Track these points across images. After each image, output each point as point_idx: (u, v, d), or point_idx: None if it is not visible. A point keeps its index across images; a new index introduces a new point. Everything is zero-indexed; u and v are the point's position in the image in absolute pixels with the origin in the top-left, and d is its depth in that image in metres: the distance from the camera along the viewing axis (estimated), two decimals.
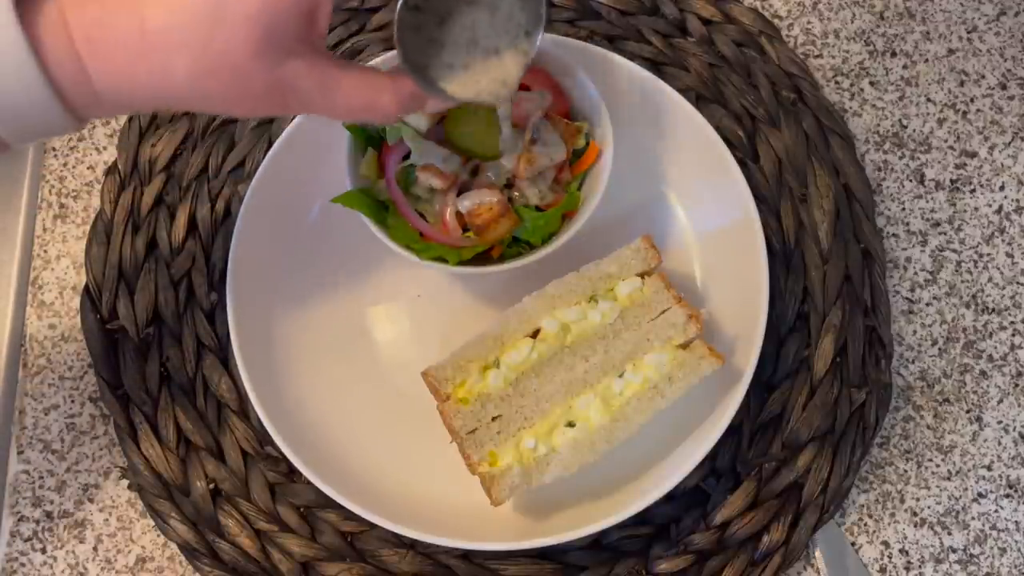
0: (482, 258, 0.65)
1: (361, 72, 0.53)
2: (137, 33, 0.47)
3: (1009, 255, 0.75)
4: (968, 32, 0.81)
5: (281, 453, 0.65)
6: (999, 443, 0.71)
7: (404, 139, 0.65)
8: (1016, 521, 0.69)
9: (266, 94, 0.50)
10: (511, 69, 0.57)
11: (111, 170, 0.76)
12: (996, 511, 0.69)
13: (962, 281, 0.74)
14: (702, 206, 0.71)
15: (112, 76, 0.48)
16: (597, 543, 0.67)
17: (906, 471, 0.70)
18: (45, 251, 0.75)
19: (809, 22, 0.81)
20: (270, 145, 0.72)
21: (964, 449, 0.70)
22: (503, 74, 0.57)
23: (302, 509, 0.68)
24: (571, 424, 0.61)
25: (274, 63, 0.49)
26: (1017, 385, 0.72)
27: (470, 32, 0.56)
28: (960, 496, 0.69)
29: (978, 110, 0.79)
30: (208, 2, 0.46)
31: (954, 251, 0.75)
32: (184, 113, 0.77)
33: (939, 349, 0.73)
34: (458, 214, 0.64)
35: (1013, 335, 0.73)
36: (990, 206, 0.76)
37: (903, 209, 0.76)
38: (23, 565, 0.68)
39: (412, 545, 0.67)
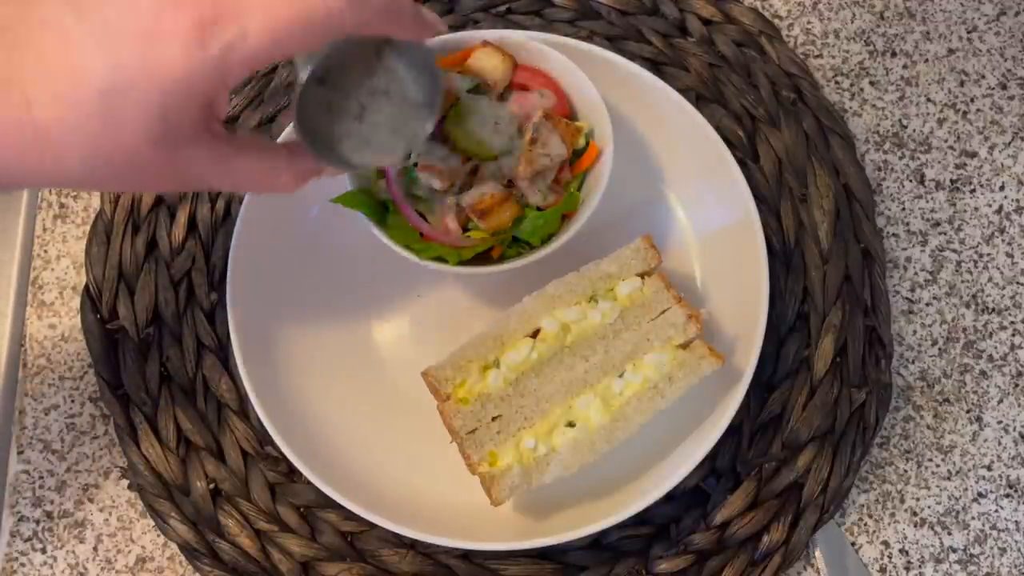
0: (482, 258, 0.65)
1: (259, 151, 0.53)
2: (28, 130, 0.45)
3: (1009, 255, 0.75)
4: (968, 32, 0.81)
5: (281, 453, 0.65)
6: (999, 443, 0.71)
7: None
8: (1016, 521, 0.69)
9: (163, 178, 0.49)
10: (412, 135, 0.58)
11: None
12: (996, 511, 0.69)
13: (962, 281, 0.74)
14: (702, 206, 0.71)
15: (3, 166, 0.46)
16: (597, 543, 0.67)
17: (906, 471, 0.70)
18: (45, 251, 0.75)
19: (809, 22, 0.81)
20: None
21: (964, 449, 0.70)
22: (404, 139, 0.57)
23: (302, 509, 0.68)
24: (571, 424, 0.61)
25: (171, 152, 0.48)
26: (1017, 385, 0.72)
27: (368, 100, 0.56)
28: (960, 496, 0.69)
29: (978, 110, 0.79)
30: (99, 98, 0.45)
31: (954, 251, 0.75)
32: None
33: (939, 349, 0.73)
34: (459, 212, 0.64)
35: (1013, 335, 0.73)
36: (990, 206, 0.76)
37: (903, 209, 0.76)
38: (23, 565, 0.68)
39: (412, 545, 0.67)
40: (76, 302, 0.73)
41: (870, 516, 0.69)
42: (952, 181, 0.77)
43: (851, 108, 0.79)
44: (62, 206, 0.76)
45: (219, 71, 0.45)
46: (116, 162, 0.47)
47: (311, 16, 0.45)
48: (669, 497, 0.65)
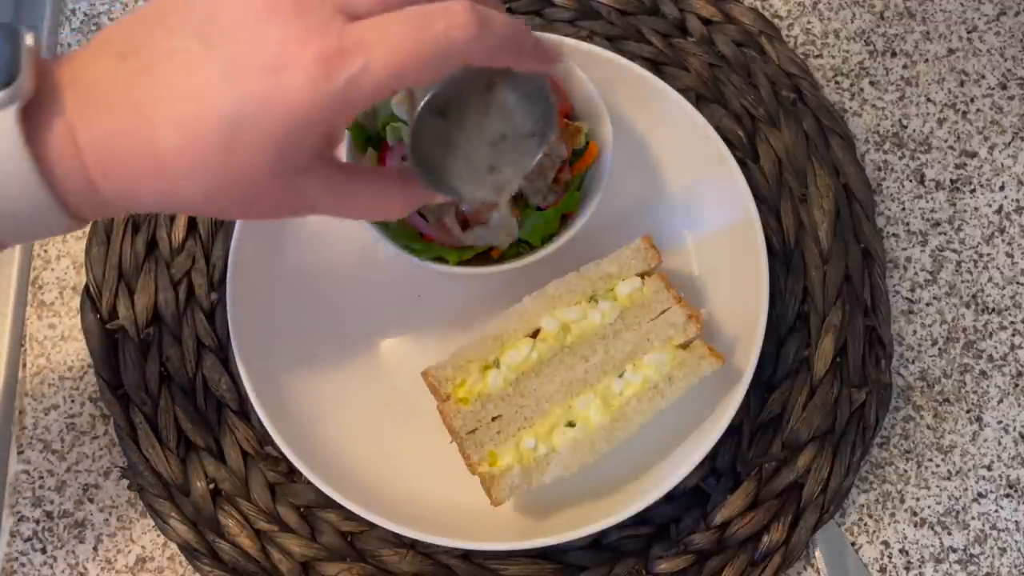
0: (482, 258, 0.65)
1: (372, 179, 0.54)
2: (150, 155, 0.46)
3: (1009, 255, 0.75)
4: (968, 32, 0.81)
5: (281, 453, 0.65)
6: (999, 443, 0.71)
7: (404, 139, 0.64)
8: (1016, 521, 0.69)
9: (277, 206, 0.50)
10: (523, 165, 0.57)
11: None
12: (996, 511, 0.69)
13: (962, 281, 0.74)
14: (702, 206, 0.71)
15: (121, 191, 0.47)
16: (597, 543, 0.67)
17: (906, 471, 0.70)
18: (45, 251, 0.75)
19: (809, 22, 0.81)
20: None
21: (964, 449, 0.70)
22: (515, 170, 0.57)
23: (302, 509, 0.68)
24: (571, 424, 0.61)
25: (288, 181, 0.48)
26: (1017, 385, 0.72)
27: (483, 139, 0.56)
28: (960, 496, 0.69)
29: (978, 110, 0.79)
30: (223, 126, 0.45)
31: (954, 251, 0.75)
32: None
33: (939, 349, 0.73)
34: (459, 214, 0.64)
35: (1013, 335, 0.73)
36: (990, 206, 0.76)
37: (903, 209, 0.76)
38: (23, 565, 0.68)
39: (412, 545, 0.67)
40: (76, 302, 0.73)
41: (870, 516, 0.69)
42: (952, 181, 0.77)
43: (851, 108, 0.79)
44: None
45: (342, 102, 0.45)
46: (234, 192, 0.48)
47: (435, 48, 0.45)
48: (669, 497, 0.65)
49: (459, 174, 0.56)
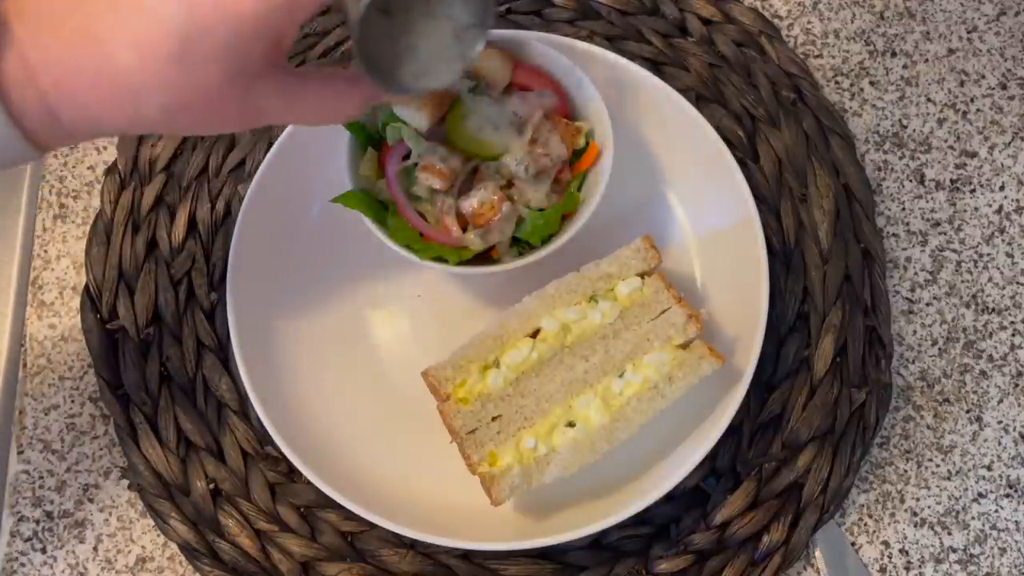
0: (482, 258, 0.65)
1: (321, 80, 0.55)
2: (106, 76, 0.47)
3: (1009, 255, 0.75)
4: (968, 32, 0.81)
5: (281, 453, 0.65)
6: (999, 443, 0.71)
7: (404, 139, 0.65)
8: (1016, 521, 0.69)
9: (237, 116, 0.51)
10: (466, 55, 0.57)
11: (111, 170, 0.76)
12: (996, 511, 0.69)
13: (962, 281, 0.74)
14: (702, 206, 0.71)
15: (80, 115, 0.48)
16: (597, 543, 0.67)
17: (906, 471, 0.70)
18: (45, 251, 0.75)
19: (809, 22, 0.81)
20: (270, 145, 0.72)
21: (964, 449, 0.70)
22: (459, 60, 0.57)
23: (302, 509, 0.68)
24: (571, 424, 0.61)
25: (244, 89, 0.49)
26: (1017, 385, 0.72)
27: (425, 26, 0.56)
28: (960, 496, 0.69)
29: (978, 110, 0.79)
30: (175, 40, 0.46)
31: (954, 251, 0.75)
32: None
33: (939, 349, 0.73)
34: (459, 215, 0.64)
35: (1013, 335, 0.73)
36: (990, 206, 0.76)
37: (903, 209, 0.76)
38: (23, 565, 0.68)
39: (412, 545, 0.67)
40: (76, 302, 0.73)
41: (870, 516, 0.69)
42: (952, 181, 0.77)
43: (851, 108, 0.79)
44: (62, 206, 0.76)
45: (289, 3, 0.47)
46: (193, 105, 0.48)
47: None
48: (669, 497, 0.65)
49: (406, 69, 0.56)
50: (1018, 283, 0.74)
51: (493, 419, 0.61)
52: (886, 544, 0.69)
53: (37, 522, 0.69)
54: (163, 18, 0.46)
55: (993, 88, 0.79)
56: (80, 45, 0.47)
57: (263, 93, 0.51)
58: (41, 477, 0.70)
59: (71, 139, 0.50)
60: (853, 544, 0.69)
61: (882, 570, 0.68)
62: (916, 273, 0.74)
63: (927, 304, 0.74)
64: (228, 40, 0.47)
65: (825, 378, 0.70)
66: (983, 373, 0.72)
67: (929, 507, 0.69)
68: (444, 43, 0.57)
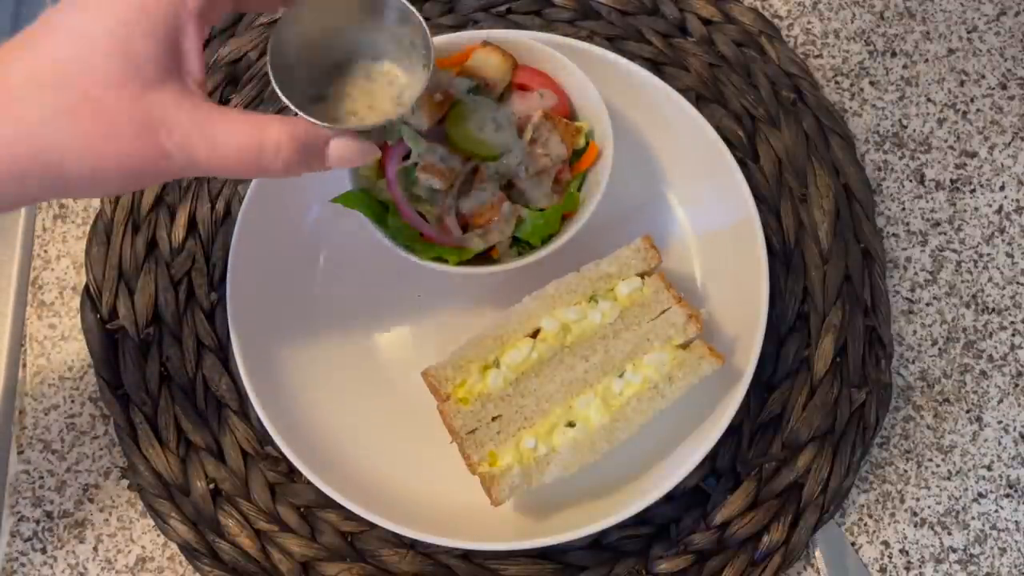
0: (482, 258, 0.65)
1: (244, 112, 0.50)
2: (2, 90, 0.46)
3: (1009, 255, 0.75)
4: (968, 32, 0.81)
5: (281, 453, 0.65)
6: (999, 443, 0.71)
7: (404, 139, 0.65)
8: (1016, 521, 0.69)
9: (134, 130, 0.47)
10: (405, 88, 0.57)
11: None
12: (996, 511, 0.69)
13: (962, 281, 0.74)
14: (702, 206, 0.71)
15: None
16: (597, 543, 0.67)
17: (906, 471, 0.70)
18: (45, 251, 0.75)
19: (809, 22, 0.81)
20: None
21: (964, 449, 0.70)
22: (396, 92, 0.57)
23: (302, 509, 0.68)
24: (571, 424, 0.61)
25: (137, 94, 0.46)
26: (1017, 385, 0.72)
27: (345, 55, 0.56)
28: (960, 496, 0.69)
29: (978, 110, 0.79)
30: (59, 45, 0.45)
31: (954, 251, 0.75)
32: None
33: (939, 349, 0.73)
34: (459, 214, 0.64)
35: (1013, 335, 0.73)
36: (990, 206, 0.76)
37: (903, 209, 0.76)
38: (23, 565, 0.68)
39: (412, 545, 0.67)
40: (76, 302, 0.73)
41: (870, 516, 0.69)
42: (952, 181, 0.77)
43: (851, 108, 0.79)
44: (62, 206, 0.76)
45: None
46: (82, 111, 0.45)
47: None
48: (669, 497, 0.65)
49: (340, 107, 0.55)
50: (1018, 283, 0.74)
51: (493, 419, 0.61)
52: (886, 544, 0.69)
53: (37, 522, 0.69)
54: (55, 21, 0.46)
55: (993, 88, 0.79)
56: None
57: (164, 104, 0.47)
58: (41, 477, 0.70)
59: None
60: (853, 544, 0.69)
61: (882, 570, 0.68)
62: (916, 273, 0.75)
63: (927, 304, 0.74)
64: (113, 28, 0.45)
65: (825, 378, 0.70)
66: (983, 373, 0.72)
67: (929, 507, 0.69)
68: (381, 92, 0.57)
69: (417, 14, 0.55)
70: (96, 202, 0.76)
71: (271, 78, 0.52)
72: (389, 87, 0.57)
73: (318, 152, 0.51)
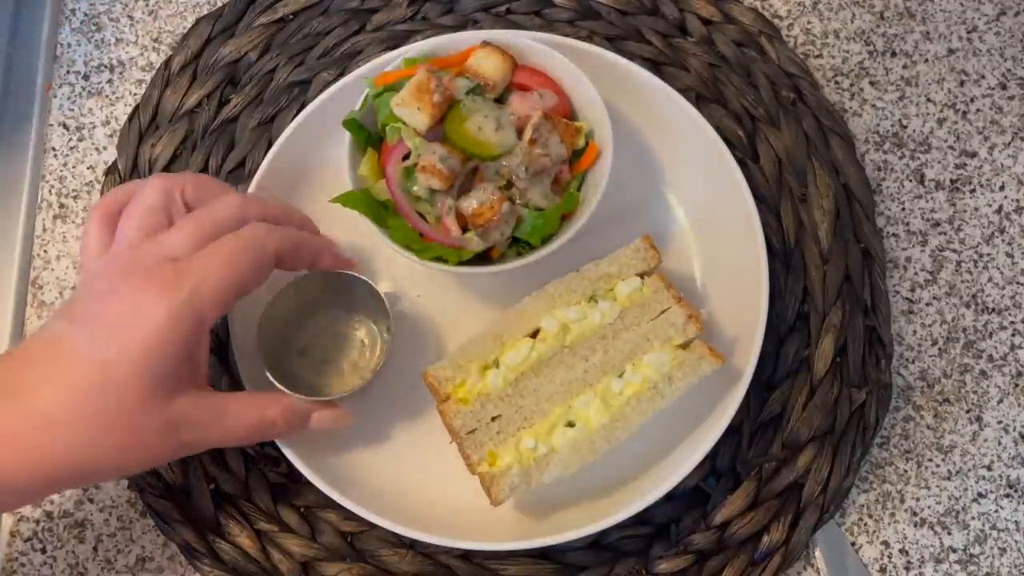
0: (482, 258, 0.65)
1: (246, 395, 0.61)
2: (34, 413, 0.51)
3: (1009, 255, 0.75)
4: (968, 32, 0.81)
5: (281, 453, 0.65)
6: (999, 443, 0.71)
7: (404, 139, 0.65)
8: (1016, 521, 0.69)
9: (161, 435, 0.55)
10: (370, 358, 0.67)
11: (111, 170, 0.76)
12: (996, 511, 0.69)
13: (962, 281, 0.74)
14: (702, 206, 0.71)
15: (16, 461, 0.52)
16: (597, 543, 0.67)
17: (906, 471, 0.70)
18: (45, 251, 0.75)
19: (809, 22, 0.81)
20: (270, 145, 0.72)
21: (964, 449, 0.70)
22: (365, 362, 0.68)
23: (302, 509, 0.68)
24: (571, 424, 0.61)
25: (164, 404, 0.54)
26: (1017, 385, 0.72)
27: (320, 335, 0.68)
28: (960, 496, 0.69)
29: (978, 110, 0.79)
30: (94, 369, 0.52)
31: (954, 251, 0.75)
32: (184, 113, 0.77)
33: (939, 349, 0.73)
34: (459, 214, 0.64)
35: (1013, 335, 0.73)
36: (990, 206, 0.76)
37: (903, 209, 0.76)
38: (23, 565, 0.68)
39: (412, 545, 0.67)
40: None
41: (870, 516, 0.69)
42: (952, 181, 0.77)
43: (851, 108, 0.79)
44: (62, 206, 0.76)
45: (193, 310, 0.54)
46: (118, 427, 0.53)
47: (247, 262, 0.56)
48: (669, 497, 0.65)
49: (320, 379, 0.67)
50: (1018, 283, 0.74)
51: (493, 419, 0.61)
52: (886, 544, 0.69)
53: (37, 522, 0.69)
54: (84, 353, 0.52)
55: (993, 88, 0.79)
56: (10, 399, 0.52)
57: (185, 407, 0.55)
58: None
59: (17, 499, 0.56)
60: (853, 544, 0.69)
61: (882, 570, 0.68)
62: (916, 273, 0.74)
63: (927, 304, 0.74)
64: (142, 354, 0.52)
65: (825, 378, 0.70)
66: (983, 373, 0.72)
67: (929, 507, 0.69)
68: (356, 352, 0.68)
69: (379, 292, 0.66)
70: (96, 202, 0.76)
71: (263, 366, 0.64)
72: (357, 333, 0.69)
73: (304, 423, 0.62)
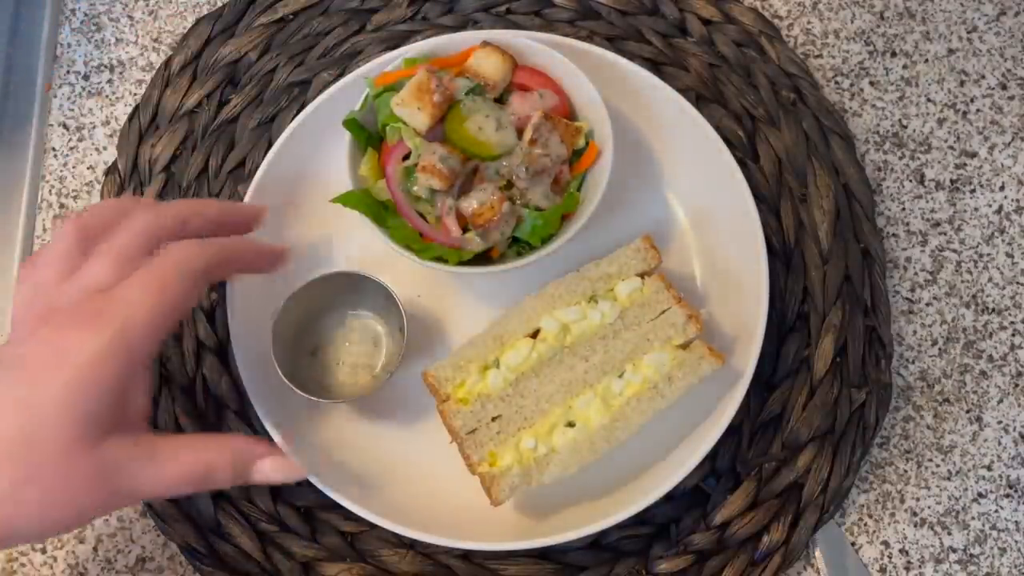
0: (482, 258, 0.65)
1: (189, 437, 0.57)
2: None
3: (1009, 255, 0.75)
4: (968, 32, 0.81)
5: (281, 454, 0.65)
6: (999, 443, 0.71)
7: (404, 139, 0.65)
8: (1016, 521, 0.69)
9: (91, 483, 0.50)
10: (382, 359, 0.68)
11: (111, 170, 0.76)
12: (996, 511, 0.69)
13: (962, 281, 0.74)
14: (702, 206, 0.71)
15: None
16: (597, 543, 0.67)
17: (906, 471, 0.70)
18: None
19: (809, 22, 0.81)
20: (270, 145, 0.72)
21: (964, 449, 0.70)
22: (384, 367, 0.67)
23: (303, 509, 0.68)
24: (571, 424, 0.61)
25: (92, 447, 0.49)
26: (1017, 385, 0.72)
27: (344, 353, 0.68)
28: (960, 496, 0.69)
29: (978, 110, 0.79)
30: (16, 415, 0.48)
31: (954, 251, 0.75)
32: (184, 113, 0.77)
33: (939, 349, 0.73)
34: (459, 215, 0.64)
35: (1013, 335, 0.73)
36: (990, 206, 0.76)
37: (903, 209, 0.76)
38: (23, 565, 0.68)
39: (412, 545, 0.67)
40: None
41: (870, 516, 0.69)
42: (952, 181, 0.77)
43: (851, 108, 0.79)
44: (62, 206, 0.76)
45: (124, 342, 0.49)
46: (43, 476, 0.48)
47: (181, 272, 0.53)
48: (669, 497, 0.65)
49: (327, 381, 0.67)
50: (1018, 283, 0.74)
51: (493, 419, 0.61)
52: (886, 544, 0.69)
53: None
54: (7, 398, 0.48)
55: (993, 88, 0.79)
56: None
57: (119, 448, 0.50)
58: None
59: None
60: (853, 544, 0.69)
61: (882, 570, 0.68)
62: (916, 273, 0.75)
63: (927, 304, 0.74)
64: (70, 393, 0.48)
65: (825, 378, 0.70)
66: (983, 373, 0.72)
67: (929, 507, 0.69)
68: (369, 358, 0.68)
69: (393, 292, 0.65)
70: (96, 202, 0.76)
71: (275, 366, 0.64)
72: (368, 334, 0.69)
73: (248, 473, 0.56)
